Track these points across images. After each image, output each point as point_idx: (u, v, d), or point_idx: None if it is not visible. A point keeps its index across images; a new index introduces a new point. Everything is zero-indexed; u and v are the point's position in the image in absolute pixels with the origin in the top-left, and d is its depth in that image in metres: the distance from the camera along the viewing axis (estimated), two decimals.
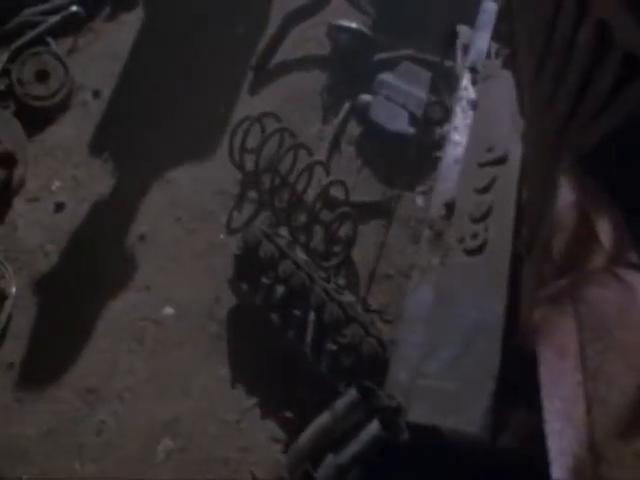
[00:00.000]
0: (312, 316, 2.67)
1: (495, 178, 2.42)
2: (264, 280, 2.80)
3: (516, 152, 2.35)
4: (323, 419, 2.33)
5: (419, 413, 2.11)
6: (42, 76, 4.01)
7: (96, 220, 3.44)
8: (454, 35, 3.26)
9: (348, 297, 2.78)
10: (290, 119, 3.45)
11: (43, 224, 3.46)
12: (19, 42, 4.18)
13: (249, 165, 3.35)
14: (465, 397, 2.06)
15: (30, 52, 4.04)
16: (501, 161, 2.44)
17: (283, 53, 3.86)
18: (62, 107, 4.00)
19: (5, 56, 4.11)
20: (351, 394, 2.31)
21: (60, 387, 2.92)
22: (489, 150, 2.50)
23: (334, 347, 2.63)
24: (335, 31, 3.70)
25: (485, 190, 2.42)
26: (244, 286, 2.87)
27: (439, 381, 2.12)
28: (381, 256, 3.10)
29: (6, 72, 4.04)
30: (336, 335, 2.63)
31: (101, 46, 4.33)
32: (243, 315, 2.96)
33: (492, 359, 2.06)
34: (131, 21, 4.44)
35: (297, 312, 2.73)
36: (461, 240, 2.37)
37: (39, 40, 4.26)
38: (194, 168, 3.51)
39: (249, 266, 2.87)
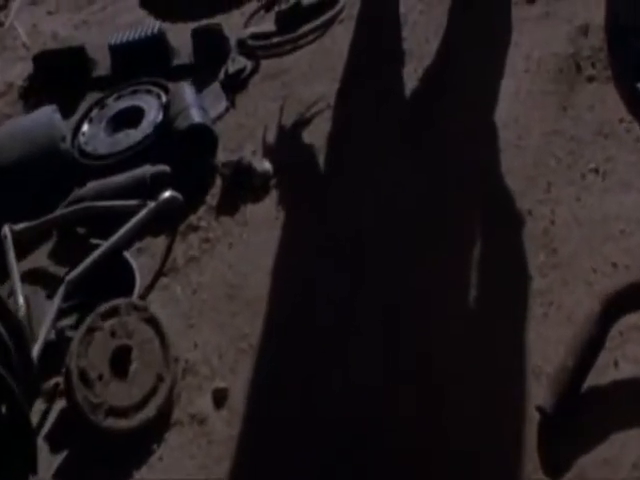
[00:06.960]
0: None
1: None
2: None
3: None
4: None
5: None
6: (124, 363, 2.17)
7: None
8: None
9: None
10: None
11: None
12: (76, 272, 2.35)
13: None
14: None
15: (100, 311, 2.17)
16: None
17: None
18: (160, 427, 2.14)
19: (55, 304, 2.28)
20: None
21: None
22: None
23: None
24: None
25: None
26: None
27: None
28: None
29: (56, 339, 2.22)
30: None
31: (219, 262, 2.49)
32: None
33: None
34: (260, 217, 2.59)
35: None
36: None
37: (113, 258, 2.44)
38: None
39: None
